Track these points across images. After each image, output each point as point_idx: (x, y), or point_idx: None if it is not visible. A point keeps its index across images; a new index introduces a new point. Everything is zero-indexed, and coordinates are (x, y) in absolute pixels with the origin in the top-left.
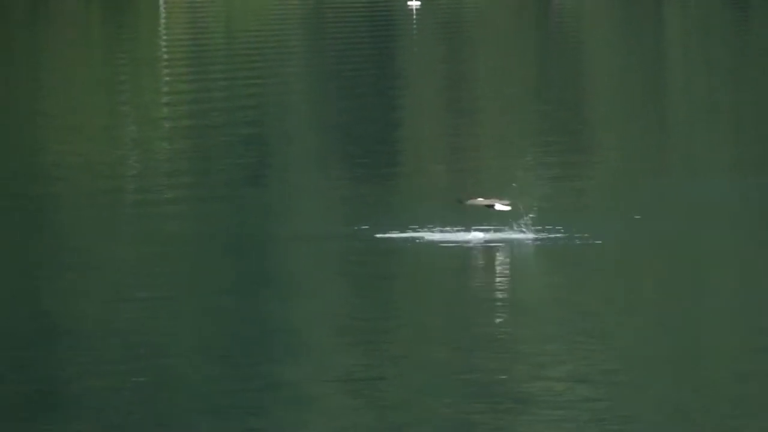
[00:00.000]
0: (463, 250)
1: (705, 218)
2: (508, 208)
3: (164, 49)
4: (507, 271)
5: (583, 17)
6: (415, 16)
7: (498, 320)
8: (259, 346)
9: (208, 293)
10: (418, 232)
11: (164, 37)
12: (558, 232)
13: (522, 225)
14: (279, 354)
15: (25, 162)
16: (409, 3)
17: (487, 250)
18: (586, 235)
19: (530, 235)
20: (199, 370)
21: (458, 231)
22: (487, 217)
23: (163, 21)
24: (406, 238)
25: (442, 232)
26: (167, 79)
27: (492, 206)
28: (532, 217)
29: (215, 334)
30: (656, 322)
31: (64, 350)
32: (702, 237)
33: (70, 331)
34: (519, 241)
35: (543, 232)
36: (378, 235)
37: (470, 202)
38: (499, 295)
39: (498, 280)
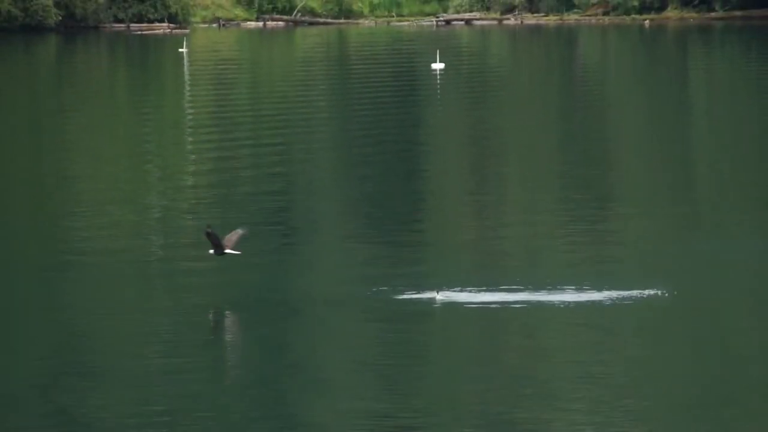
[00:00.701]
0: (486, 312)
1: (734, 279)
2: (238, 252)
3: (189, 113)
4: (532, 334)
5: (607, 74)
6: (438, 79)
7: (523, 383)
8: (282, 411)
9: (228, 357)
10: (441, 293)
11: (189, 101)
12: (585, 292)
13: (547, 286)
14: (303, 418)
15: (50, 226)
16: (432, 65)
17: (511, 311)
18: (613, 295)
19: (557, 297)
20: None
21: (482, 291)
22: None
23: (188, 85)
24: (427, 300)
25: (466, 292)
26: (191, 140)
27: (222, 251)
28: (558, 278)
29: (239, 400)
30: (690, 385)
31: (90, 411)
32: (729, 299)
33: (94, 394)
34: (543, 303)
35: (569, 292)
36: (400, 297)
37: (212, 238)
38: (524, 358)
39: (522, 342)
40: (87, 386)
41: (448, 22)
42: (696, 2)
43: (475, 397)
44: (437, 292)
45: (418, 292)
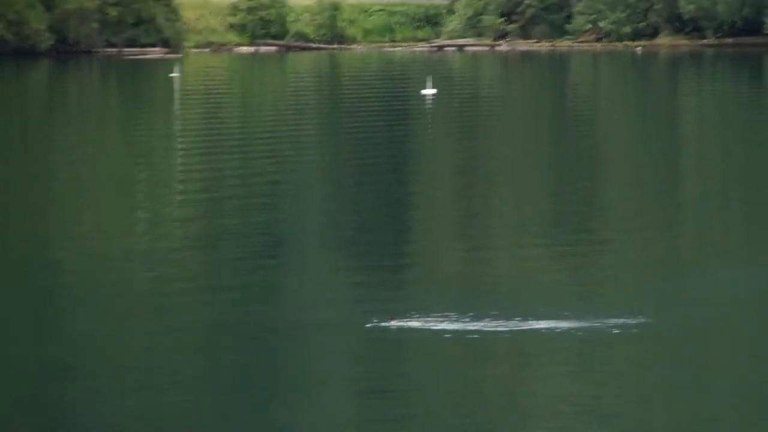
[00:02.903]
0: (464, 340)
1: (719, 308)
2: None
3: (179, 139)
4: (514, 362)
5: (598, 100)
6: (430, 105)
7: (504, 411)
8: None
9: (213, 383)
10: (426, 320)
11: (179, 127)
12: (567, 320)
13: (531, 314)
14: None
15: (34, 253)
16: (422, 91)
17: (492, 340)
18: (598, 325)
19: (540, 325)
20: None
21: (465, 320)
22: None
23: (178, 111)
24: (413, 328)
25: (450, 320)
26: (181, 168)
27: None
28: (541, 306)
29: (220, 427)
30: (671, 414)
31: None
32: (713, 328)
33: (76, 422)
34: (526, 331)
35: (554, 321)
36: (384, 324)
37: None
38: (505, 387)
39: (504, 371)
40: (69, 407)
41: (440, 48)
42: (688, 29)
43: (450, 422)
44: (391, 320)
45: (386, 320)
